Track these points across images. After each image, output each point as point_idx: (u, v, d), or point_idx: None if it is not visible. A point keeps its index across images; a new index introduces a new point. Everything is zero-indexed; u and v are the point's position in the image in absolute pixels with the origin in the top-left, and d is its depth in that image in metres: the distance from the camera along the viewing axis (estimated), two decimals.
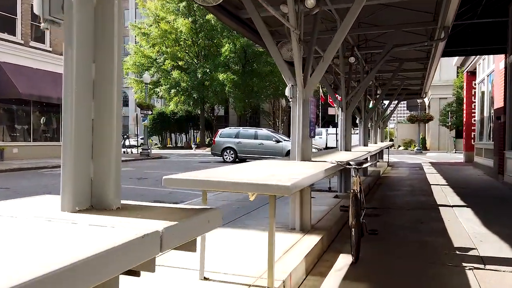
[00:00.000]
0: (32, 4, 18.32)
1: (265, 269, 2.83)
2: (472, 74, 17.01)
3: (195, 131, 43.40)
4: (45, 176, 11.92)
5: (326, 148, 25.63)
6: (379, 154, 14.94)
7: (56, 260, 0.97)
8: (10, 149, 17.70)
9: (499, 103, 11.25)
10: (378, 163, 14.11)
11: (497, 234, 5.10)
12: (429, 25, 7.30)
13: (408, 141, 36.32)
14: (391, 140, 40.63)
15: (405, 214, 6.49)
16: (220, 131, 19.07)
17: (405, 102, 40.38)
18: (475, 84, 16.75)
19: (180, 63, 35.49)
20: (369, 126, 15.32)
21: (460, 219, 5.99)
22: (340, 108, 7.73)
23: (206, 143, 37.88)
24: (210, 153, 20.66)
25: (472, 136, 17.08)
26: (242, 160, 17.59)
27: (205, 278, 2.93)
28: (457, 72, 30.19)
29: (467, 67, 17.10)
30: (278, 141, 17.15)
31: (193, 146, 36.65)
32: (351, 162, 4.79)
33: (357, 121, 11.48)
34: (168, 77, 34.86)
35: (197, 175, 2.85)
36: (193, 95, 34.55)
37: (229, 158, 17.88)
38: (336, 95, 9.32)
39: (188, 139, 43.08)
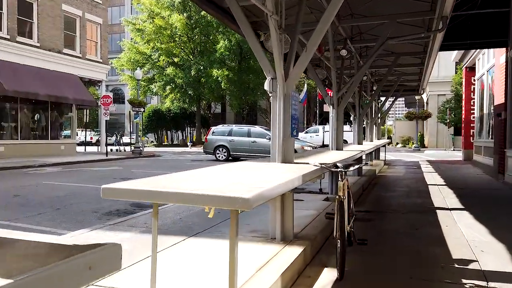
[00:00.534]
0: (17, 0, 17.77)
1: None
2: (471, 69, 16.53)
3: (191, 129, 42.92)
4: (27, 176, 11.43)
5: (323, 146, 25.17)
6: (375, 152, 14.48)
7: None
8: None
9: (499, 99, 10.79)
10: (374, 161, 13.66)
11: (499, 242, 4.63)
12: (426, 15, 6.81)
13: (406, 139, 35.88)
14: (389, 137, 40.20)
15: (400, 218, 6.03)
16: (213, 128, 18.59)
17: (403, 99, 39.95)
18: (474, 80, 16.28)
19: (175, 59, 34.99)
20: (364, 123, 14.86)
21: (459, 224, 5.53)
22: (331, 105, 7.25)
23: (203, 140, 37.38)
24: None
25: (471, 134, 16.62)
26: (236, 158, 17.12)
27: None
28: (456, 68, 29.72)
29: (466, 63, 16.62)
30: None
31: (188, 144, 36.17)
32: (338, 164, 4.31)
33: (351, 118, 11.00)
34: (163, 73, 34.34)
35: (143, 184, 2.37)
36: (188, 91, 34.06)
37: (222, 157, 17.40)
38: (329, 92, 8.86)
39: (185, 136, 42.61)
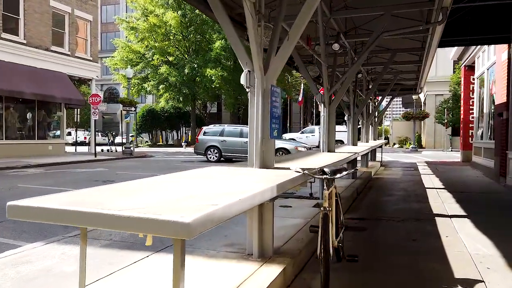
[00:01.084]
0: None
1: None
2: (470, 68, 16.05)
3: (186, 129, 42.35)
4: (5, 178, 10.85)
5: (319, 146, 24.64)
6: (372, 153, 13.98)
7: None
8: None
9: (500, 98, 10.30)
10: (370, 163, 13.15)
11: (506, 257, 4.13)
12: (425, 6, 6.29)
13: (403, 139, 35.44)
14: (386, 138, 39.76)
15: (396, 227, 5.51)
16: (204, 128, 18.04)
17: (400, 99, 39.52)
18: (473, 79, 15.81)
19: (170, 58, 34.43)
20: (360, 123, 14.37)
21: (461, 234, 5.01)
22: (322, 103, 6.72)
23: None
24: None
25: (470, 134, 16.14)
26: (228, 159, 16.59)
27: None
28: (454, 68, 29.29)
29: (465, 61, 16.14)
30: None
31: (183, 144, 35.63)
32: (326, 169, 3.79)
33: (345, 118, 10.49)
34: (157, 72, 33.76)
35: (62, 201, 1.83)
36: (183, 91, 33.50)
37: (213, 158, 16.85)
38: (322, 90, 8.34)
39: (180, 136, 42.06)
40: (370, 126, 15.43)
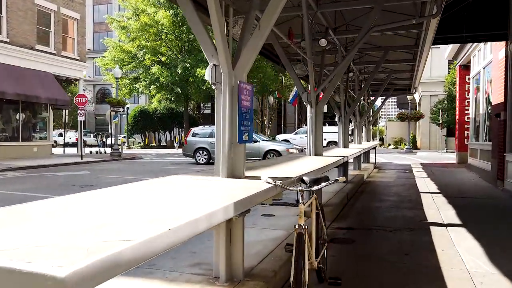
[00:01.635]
0: None
1: None
2: (466, 68, 15.66)
3: (180, 130, 41.79)
4: None
5: None
6: (365, 155, 13.53)
7: None
8: None
9: (497, 98, 9.87)
10: (363, 165, 12.70)
11: (509, 276, 3.66)
12: None
13: (398, 140, 35.09)
14: (381, 139, 39.40)
15: (387, 238, 5.04)
16: (193, 129, 17.52)
17: (395, 99, 39.20)
18: (468, 79, 15.41)
19: (162, 58, 33.87)
20: (352, 124, 13.93)
21: (458, 248, 4.55)
22: (308, 103, 6.24)
23: None
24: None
25: (466, 135, 15.74)
26: None
27: None
28: (449, 68, 28.97)
29: (460, 60, 15.75)
30: (255, 141, 15.64)
31: (175, 145, 35.14)
32: (305, 178, 3.31)
33: (336, 119, 10.03)
34: (148, 72, 33.20)
35: None
36: (174, 90, 32.94)
37: (202, 160, 16.33)
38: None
39: (173, 137, 41.52)
40: (363, 127, 14.99)
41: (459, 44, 14.74)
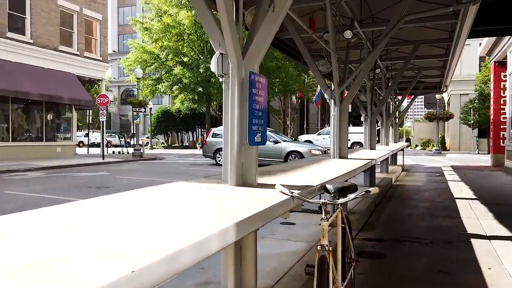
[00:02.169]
0: None
1: None
2: (501, 64, 14.67)
3: (202, 130, 41.80)
4: (0, 184, 10.24)
5: None
6: (392, 157, 12.82)
7: None
8: None
9: None
10: (391, 167, 12.01)
11: None
12: None
13: (426, 141, 33.79)
14: (407, 139, 38.11)
15: (423, 253, 4.46)
16: (213, 130, 17.18)
17: (423, 99, 37.82)
18: (504, 76, 14.43)
19: (184, 59, 33.91)
20: (379, 124, 13.25)
21: (506, 265, 3.93)
22: (332, 100, 5.71)
23: None
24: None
25: (502, 136, 14.74)
26: None
27: None
28: (480, 66, 27.61)
29: (495, 57, 14.77)
30: (276, 142, 15.15)
31: (197, 145, 35.10)
32: (328, 186, 2.81)
33: (362, 118, 9.42)
34: (171, 73, 33.28)
35: None
36: (196, 91, 32.87)
37: (222, 161, 15.95)
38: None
39: (196, 138, 41.57)
40: (390, 127, 14.25)
41: (493, 40, 13.83)
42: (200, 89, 32.70)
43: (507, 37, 12.19)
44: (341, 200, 2.39)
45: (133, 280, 1.03)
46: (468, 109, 26.97)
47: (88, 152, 24.41)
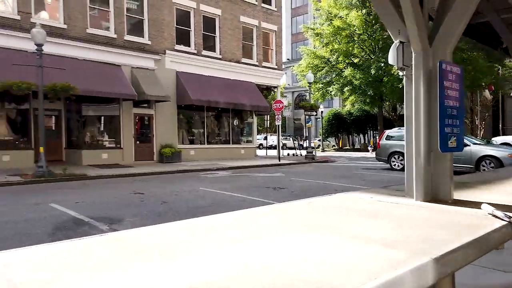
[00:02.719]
0: (203, 16, 19.61)
1: None
2: None
3: (374, 132, 40.20)
4: (195, 180, 11.97)
5: None
6: None
7: None
8: (187, 151, 19.32)
9: None
10: None
11: None
12: None
13: None
14: None
15: None
16: (386, 132, 16.10)
17: None
18: None
19: (355, 60, 33.29)
20: None
21: None
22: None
23: None
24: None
25: None
26: None
27: None
28: None
29: None
30: (465, 145, 13.07)
31: (369, 148, 33.91)
32: None
33: None
34: (341, 75, 33.14)
35: None
36: (367, 92, 31.75)
37: (398, 165, 14.78)
38: None
39: (368, 140, 40.28)
40: None
41: None
42: (370, 92, 31.49)
43: None
44: None
45: None
46: None
47: (266, 154, 26.38)
